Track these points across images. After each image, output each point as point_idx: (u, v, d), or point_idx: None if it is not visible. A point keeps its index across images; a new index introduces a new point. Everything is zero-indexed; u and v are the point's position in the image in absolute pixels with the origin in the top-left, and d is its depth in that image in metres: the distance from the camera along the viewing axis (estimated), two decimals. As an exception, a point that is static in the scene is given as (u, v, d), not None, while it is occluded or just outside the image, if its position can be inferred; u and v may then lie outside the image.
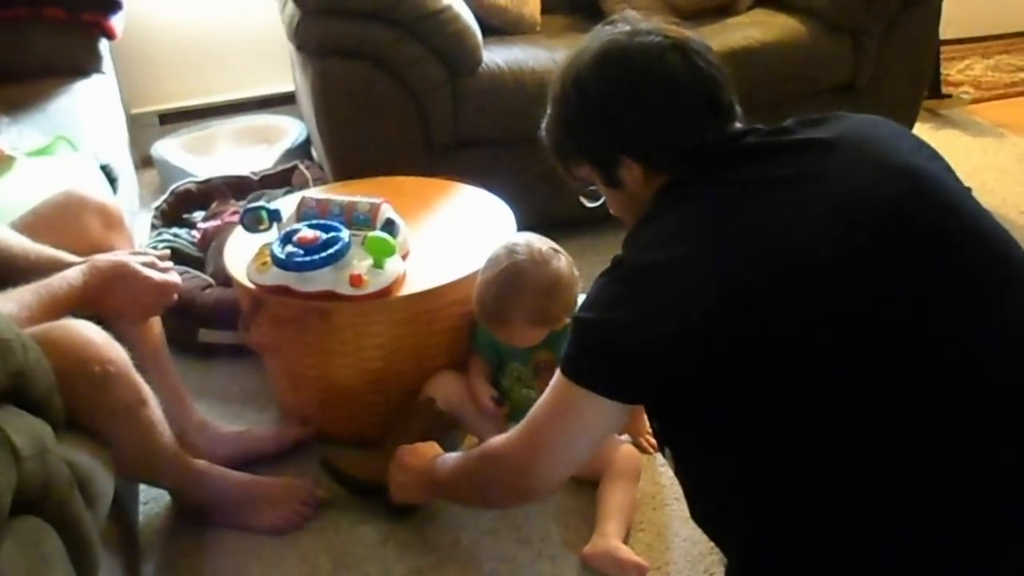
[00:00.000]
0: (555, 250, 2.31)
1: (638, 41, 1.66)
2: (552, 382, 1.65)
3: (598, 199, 1.87)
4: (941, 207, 1.51)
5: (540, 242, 2.31)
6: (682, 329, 1.46)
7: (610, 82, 1.67)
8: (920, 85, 3.93)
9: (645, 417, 1.86)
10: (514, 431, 1.74)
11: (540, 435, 1.68)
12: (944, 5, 3.73)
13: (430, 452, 2.11)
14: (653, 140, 1.66)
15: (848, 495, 1.40)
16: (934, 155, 1.63)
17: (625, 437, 2.39)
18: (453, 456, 2.03)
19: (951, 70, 5.13)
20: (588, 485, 2.25)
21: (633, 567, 2.05)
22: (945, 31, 4.01)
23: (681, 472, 1.68)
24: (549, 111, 1.80)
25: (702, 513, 1.69)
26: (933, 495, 1.37)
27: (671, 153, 1.65)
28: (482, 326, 2.38)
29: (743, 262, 1.46)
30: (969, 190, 1.59)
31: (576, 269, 2.32)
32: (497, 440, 1.81)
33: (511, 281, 2.22)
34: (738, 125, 1.69)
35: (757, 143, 1.61)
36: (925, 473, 1.37)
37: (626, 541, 2.14)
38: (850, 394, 1.39)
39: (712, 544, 2.10)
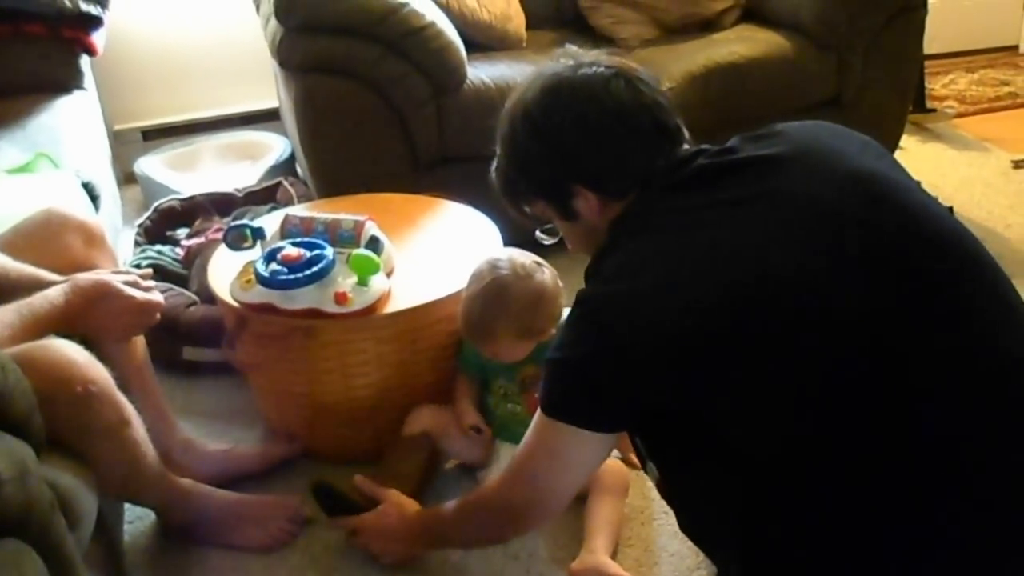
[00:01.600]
0: (538, 263, 2.30)
1: (582, 72, 1.71)
2: (534, 422, 1.69)
3: (556, 235, 1.90)
4: (899, 210, 1.53)
5: (523, 256, 2.30)
6: (652, 356, 1.48)
7: (559, 112, 1.70)
8: (905, 99, 3.94)
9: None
10: (505, 476, 1.80)
11: (531, 477, 1.73)
12: (928, 20, 3.75)
13: (410, 509, 2.14)
14: (606, 166, 1.69)
15: (835, 504, 1.41)
16: (881, 153, 1.66)
17: (614, 452, 2.38)
18: (445, 509, 2.03)
19: (936, 84, 5.15)
20: (576, 500, 2.24)
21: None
22: (929, 46, 4.03)
23: (666, 487, 1.70)
24: (498, 152, 1.82)
25: (690, 526, 1.71)
26: (920, 500, 1.38)
27: (625, 179, 1.68)
28: (467, 344, 2.38)
29: (708, 287, 1.47)
30: (918, 183, 1.62)
31: (560, 281, 2.31)
32: (488, 488, 1.91)
33: (495, 296, 2.22)
34: (686, 147, 1.71)
35: (707, 164, 1.63)
36: (911, 479, 1.38)
37: (614, 556, 2.14)
38: (825, 405, 1.41)
39: (701, 558, 2.10)
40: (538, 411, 1.66)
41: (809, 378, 1.41)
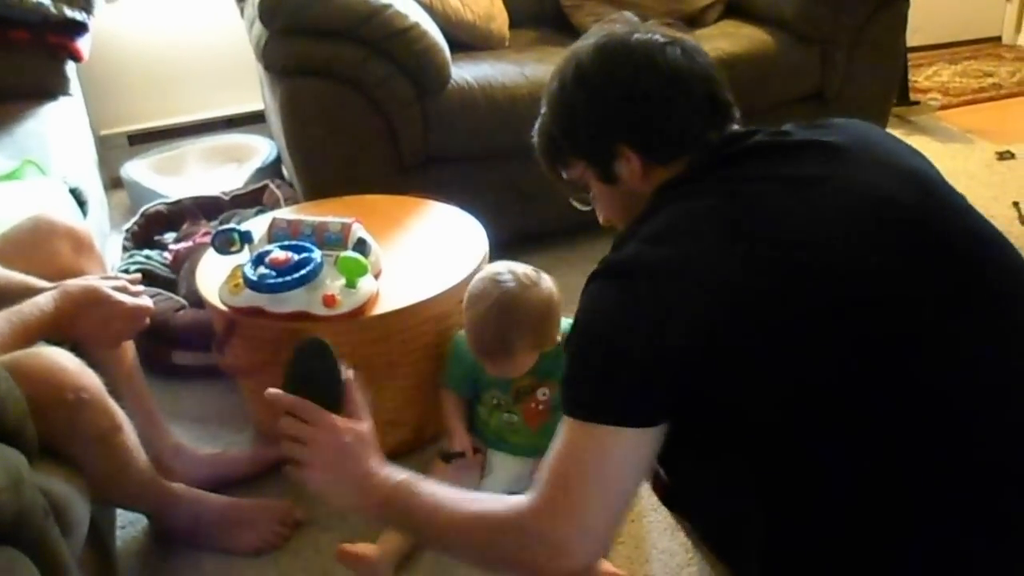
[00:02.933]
0: (536, 271, 2.29)
1: (638, 36, 1.65)
2: (561, 431, 1.45)
3: (589, 204, 1.84)
4: (952, 211, 1.52)
5: (521, 266, 2.29)
6: (701, 332, 1.36)
7: (611, 68, 1.64)
8: (888, 92, 3.96)
9: None
10: (536, 501, 1.44)
11: (568, 501, 1.41)
12: (911, 12, 3.77)
13: (373, 454, 1.66)
14: (654, 127, 1.62)
15: (866, 503, 1.36)
16: (928, 161, 1.64)
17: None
18: (434, 499, 1.56)
19: (919, 76, 5.17)
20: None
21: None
22: (912, 38, 4.05)
23: (680, 491, 1.63)
24: (544, 110, 1.77)
25: (711, 530, 1.65)
26: (952, 502, 1.34)
27: (671, 145, 1.62)
28: (454, 360, 2.39)
29: (766, 260, 1.39)
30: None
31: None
32: (513, 506, 1.47)
33: (508, 310, 2.19)
34: (736, 127, 1.66)
35: (764, 141, 1.58)
36: (943, 481, 1.34)
37: (605, 554, 2.13)
38: (871, 395, 1.35)
39: (691, 555, 2.11)
40: (563, 422, 1.45)
41: (858, 365, 1.35)
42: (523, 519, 1.44)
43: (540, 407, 2.32)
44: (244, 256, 2.38)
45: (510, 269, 2.26)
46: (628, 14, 1.76)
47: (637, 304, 1.41)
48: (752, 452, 1.42)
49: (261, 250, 2.33)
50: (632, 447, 1.41)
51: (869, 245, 1.41)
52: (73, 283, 1.96)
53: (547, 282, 2.27)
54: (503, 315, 2.19)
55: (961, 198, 1.56)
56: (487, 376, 2.33)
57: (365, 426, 1.68)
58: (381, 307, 2.32)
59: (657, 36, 1.65)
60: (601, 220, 1.83)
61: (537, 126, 1.79)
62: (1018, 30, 5.77)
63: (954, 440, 1.34)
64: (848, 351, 1.35)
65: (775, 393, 1.36)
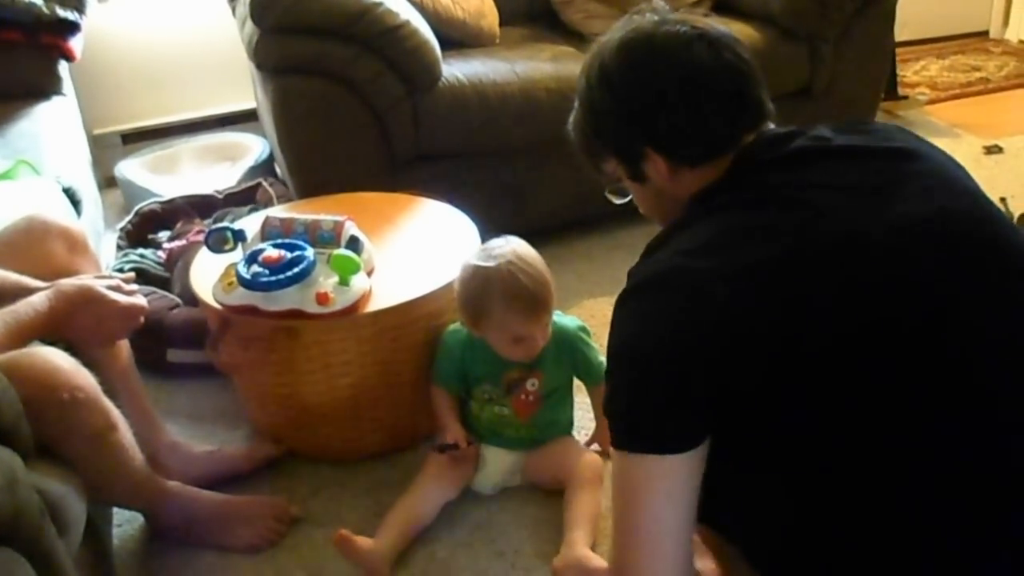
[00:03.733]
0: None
1: (664, 30, 1.59)
2: (612, 471, 1.50)
3: (625, 196, 1.80)
4: (1003, 227, 1.47)
5: (492, 245, 2.30)
6: (745, 339, 1.35)
7: (633, 70, 1.60)
8: (876, 88, 3.97)
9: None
10: (611, 548, 1.56)
11: (634, 540, 1.47)
12: (898, 6, 3.78)
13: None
14: (676, 130, 1.57)
15: (905, 508, 1.34)
16: (968, 173, 1.58)
17: (595, 446, 2.42)
18: None
19: (907, 71, 5.18)
20: (558, 495, 2.27)
21: (604, 573, 2.03)
22: (900, 32, 4.06)
23: (716, 510, 1.53)
24: (576, 106, 1.73)
25: (753, 546, 1.57)
26: (988, 501, 1.33)
27: (697, 145, 1.57)
28: (445, 356, 2.39)
29: (817, 273, 1.37)
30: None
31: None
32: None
33: (524, 269, 2.20)
34: (771, 125, 1.61)
35: (808, 146, 1.53)
36: (976, 479, 1.32)
37: (595, 548, 2.14)
38: (911, 400, 1.33)
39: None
40: (613, 456, 1.48)
41: (903, 386, 1.33)
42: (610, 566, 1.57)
43: (530, 398, 2.33)
44: (238, 254, 2.38)
45: (485, 247, 2.29)
46: (659, 2, 1.70)
47: (680, 313, 1.39)
48: (788, 459, 1.39)
49: (254, 248, 2.34)
50: (676, 473, 1.42)
51: (930, 258, 1.38)
52: (67, 282, 1.97)
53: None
54: (526, 265, 2.21)
55: (1002, 215, 1.51)
56: (478, 370, 2.35)
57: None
58: (374, 304, 2.33)
59: (685, 29, 1.58)
60: (642, 211, 1.79)
61: (571, 121, 1.76)
62: (1006, 24, 5.78)
63: (993, 434, 1.33)
64: (897, 374, 1.33)
65: (815, 400, 1.35)
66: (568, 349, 2.35)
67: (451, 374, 2.40)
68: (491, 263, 2.22)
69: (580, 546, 2.11)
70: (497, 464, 2.37)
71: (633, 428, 1.44)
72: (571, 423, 2.48)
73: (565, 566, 2.09)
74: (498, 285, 2.20)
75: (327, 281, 2.28)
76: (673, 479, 1.43)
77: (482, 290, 2.22)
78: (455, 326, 2.42)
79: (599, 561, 2.07)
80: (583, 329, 2.39)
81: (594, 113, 1.68)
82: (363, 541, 2.14)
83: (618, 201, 1.84)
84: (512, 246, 2.26)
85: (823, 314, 1.34)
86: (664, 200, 1.66)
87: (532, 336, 2.24)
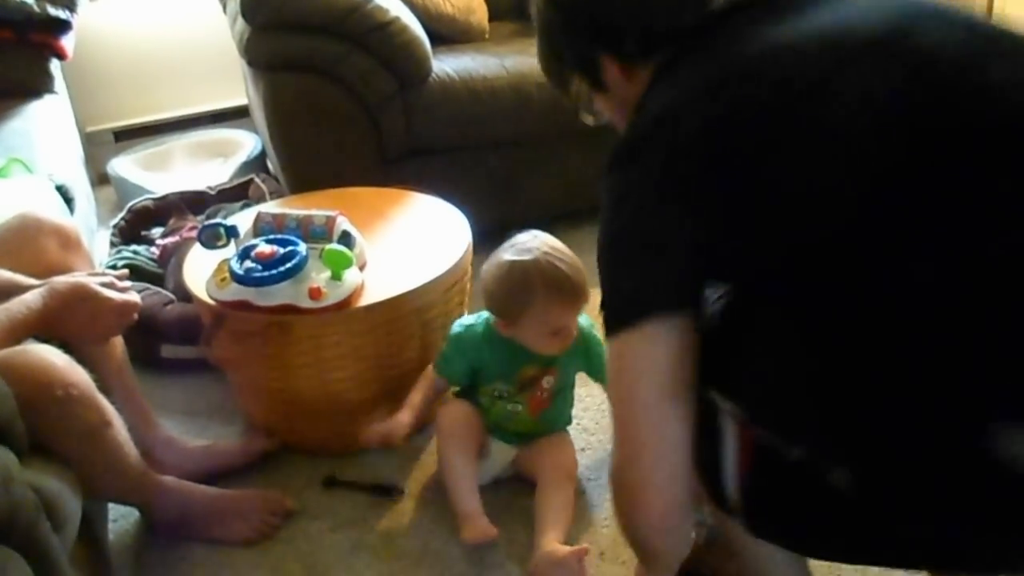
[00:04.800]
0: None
1: None
2: (607, 356, 1.44)
3: (597, 114, 1.77)
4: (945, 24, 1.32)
5: (520, 240, 2.28)
6: (708, 165, 1.32)
7: None
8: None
9: None
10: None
11: (624, 436, 1.44)
12: None
13: None
14: (620, 30, 1.56)
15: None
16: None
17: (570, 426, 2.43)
18: None
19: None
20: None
21: (572, 557, 2.03)
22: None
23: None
24: (536, 37, 1.75)
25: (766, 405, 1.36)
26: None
27: (640, 42, 1.55)
28: (456, 353, 2.37)
29: (757, 84, 1.32)
30: None
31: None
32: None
33: (562, 257, 2.20)
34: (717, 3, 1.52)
35: (750, 9, 1.44)
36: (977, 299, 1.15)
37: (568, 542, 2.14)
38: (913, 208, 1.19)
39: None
40: (607, 358, 1.45)
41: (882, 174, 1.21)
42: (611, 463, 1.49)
43: (544, 395, 2.34)
44: (230, 250, 2.40)
45: (514, 242, 2.27)
46: None
47: (646, 156, 1.39)
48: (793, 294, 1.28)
49: (247, 244, 2.35)
50: (665, 342, 1.37)
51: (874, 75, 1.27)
52: (61, 280, 1.96)
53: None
54: (563, 255, 2.20)
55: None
56: (492, 368, 2.33)
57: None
58: (367, 299, 2.34)
59: None
60: (615, 125, 1.74)
61: (537, 53, 1.77)
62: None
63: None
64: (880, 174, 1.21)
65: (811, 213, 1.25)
66: (582, 346, 2.33)
67: (460, 369, 2.38)
68: (528, 256, 2.19)
69: (548, 543, 2.10)
70: (499, 456, 2.38)
71: (617, 301, 1.41)
72: (570, 419, 2.49)
73: (537, 568, 2.08)
74: (540, 277, 2.17)
75: (320, 276, 2.29)
76: (663, 350, 1.37)
77: (524, 283, 2.18)
78: (467, 321, 2.40)
79: (564, 550, 2.06)
80: (593, 326, 2.36)
81: (548, 34, 1.70)
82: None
83: (591, 122, 1.82)
84: (543, 238, 2.25)
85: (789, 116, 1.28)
86: (627, 106, 1.60)
87: (568, 327, 2.23)
